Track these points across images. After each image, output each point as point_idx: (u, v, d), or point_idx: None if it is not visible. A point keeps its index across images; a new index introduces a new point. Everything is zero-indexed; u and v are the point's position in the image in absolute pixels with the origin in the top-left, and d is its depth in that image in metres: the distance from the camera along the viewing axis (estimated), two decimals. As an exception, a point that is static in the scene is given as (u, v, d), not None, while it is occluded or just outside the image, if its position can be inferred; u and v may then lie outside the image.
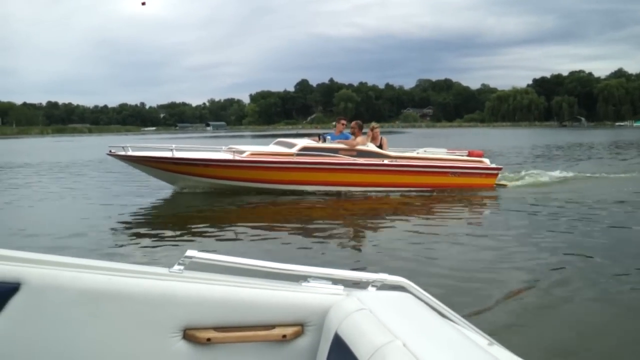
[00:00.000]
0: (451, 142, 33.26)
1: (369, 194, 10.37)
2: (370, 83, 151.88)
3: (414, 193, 10.47)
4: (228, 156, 10.01)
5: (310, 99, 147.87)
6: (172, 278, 1.52)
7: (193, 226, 7.49)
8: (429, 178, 10.64)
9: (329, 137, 10.85)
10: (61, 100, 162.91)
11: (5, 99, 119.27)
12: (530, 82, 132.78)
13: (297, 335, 1.58)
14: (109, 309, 1.45)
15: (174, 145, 10.09)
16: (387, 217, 8.45)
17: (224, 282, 1.56)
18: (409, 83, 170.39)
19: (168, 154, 9.86)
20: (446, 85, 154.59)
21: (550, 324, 3.81)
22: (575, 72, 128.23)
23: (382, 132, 11.41)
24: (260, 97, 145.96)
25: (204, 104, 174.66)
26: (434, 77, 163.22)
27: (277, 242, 6.56)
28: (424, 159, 10.84)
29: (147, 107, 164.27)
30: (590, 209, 8.57)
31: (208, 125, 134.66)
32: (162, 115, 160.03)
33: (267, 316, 1.56)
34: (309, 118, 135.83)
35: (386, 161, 10.45)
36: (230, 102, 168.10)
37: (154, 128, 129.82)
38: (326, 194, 10.21)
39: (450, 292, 4.24)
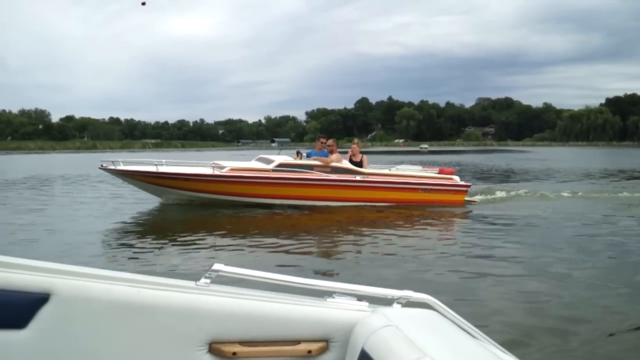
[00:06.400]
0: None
1: (340, 208, 10.68)
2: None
3: (394, 209, 10.80)
4: (208, 171, 10.50)
5: (370, 116, 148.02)
6: (198, 291, 1.51)
7: (204, 236, 7.66)
8: (399, 194, 11.18)
9: (304, 154, 11.44)
10: (115, 115, 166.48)
11: (61, 115, 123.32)
12: (603, 101, 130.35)
13: (322, 351, 1.56)
14: (137, 321, 1.44)
15: (164, 160, 10.68)
16: (378, 233, 8.32)
17: (250, 297, 1.55)
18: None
19: (152, 169, 10.30)
20: (507, 103, 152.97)
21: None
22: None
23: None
24: (320, 115, 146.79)
25: (260, 120, 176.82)
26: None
27: (292, 256, 6.50)
28: (395, 175, 11.40)
29: (205, 123, 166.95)
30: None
31: (273, 141, 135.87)
32: (220, 132, 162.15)
33: (293, 331, 1.54)
34: (369, 135, 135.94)
35: (358, 177, 10.94)
36: (286, 119, 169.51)
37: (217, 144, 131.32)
38: (314, 207, 10.56)
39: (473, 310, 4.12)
